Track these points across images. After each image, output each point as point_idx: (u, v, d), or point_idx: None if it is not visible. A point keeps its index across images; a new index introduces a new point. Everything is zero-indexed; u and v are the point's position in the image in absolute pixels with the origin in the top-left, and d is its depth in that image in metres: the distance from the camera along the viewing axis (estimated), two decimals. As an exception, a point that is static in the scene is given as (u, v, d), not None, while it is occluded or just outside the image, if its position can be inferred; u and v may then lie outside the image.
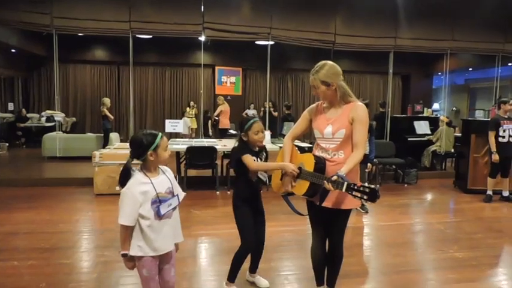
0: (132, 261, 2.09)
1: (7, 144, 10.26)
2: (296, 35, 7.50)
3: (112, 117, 9.43)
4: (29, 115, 11.88)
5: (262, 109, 12.49)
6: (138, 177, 2.03)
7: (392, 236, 4.43)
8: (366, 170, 5.23)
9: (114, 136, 9.24)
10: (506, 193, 6.00)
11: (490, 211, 5.55)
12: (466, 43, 8.26)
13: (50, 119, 11.19)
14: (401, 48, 8.12)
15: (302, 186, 2.38)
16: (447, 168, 8.36)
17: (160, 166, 2.15)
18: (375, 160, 7.17)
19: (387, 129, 8.24)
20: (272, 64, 7.96)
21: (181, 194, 2.22)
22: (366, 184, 2.09)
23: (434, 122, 8.88)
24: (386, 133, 8.24)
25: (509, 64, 11.51)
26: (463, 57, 12.55)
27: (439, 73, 12.87)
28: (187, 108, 12.47)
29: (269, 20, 7.39)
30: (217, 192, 6.19)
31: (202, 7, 6.98)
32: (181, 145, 6.38)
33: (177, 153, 6.49)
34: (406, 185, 7.21)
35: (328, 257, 2.61)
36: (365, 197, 2.06)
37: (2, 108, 12.00)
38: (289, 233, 4.34)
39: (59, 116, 11.00)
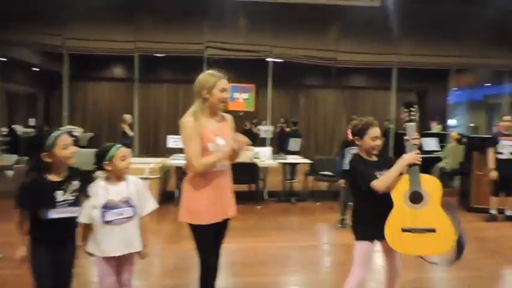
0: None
1: (27, 158, 10.72)
2: (297, 53, 7.63)
3: (131, 133, 9.56)
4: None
5: (277, 124, 12.54)
6: (98, 182, 2.26)
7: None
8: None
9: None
10: (509, 212, 5.80)
11: (490, 231, 5.39)
12: (471, 59, 8.12)
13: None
14: (403, 65, 8.06)
15: None
16: (456, 186, 8.13)
17: (130, 177, 2.30)
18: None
19: (389, 145, 8.18)
20: (284, 80, 8.04)
21: (149, 208, 2.34)
22: None
23: (447, 139, 8.71)
24: (387, 149, 8.18)
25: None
26: (480, 72, 12.28)
27: (455, 89, 12.63)
28: None
29: (270, 38, 7.57)
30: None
31: (205, 27, 7.25)
32: (181, 160, 6.52)
33: (178, 167, 6.65)
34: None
35: None
36: None
37: (23, 123, 12.59)
38: (276, 249, 4.38)
39: (77, 131, 11.51)
